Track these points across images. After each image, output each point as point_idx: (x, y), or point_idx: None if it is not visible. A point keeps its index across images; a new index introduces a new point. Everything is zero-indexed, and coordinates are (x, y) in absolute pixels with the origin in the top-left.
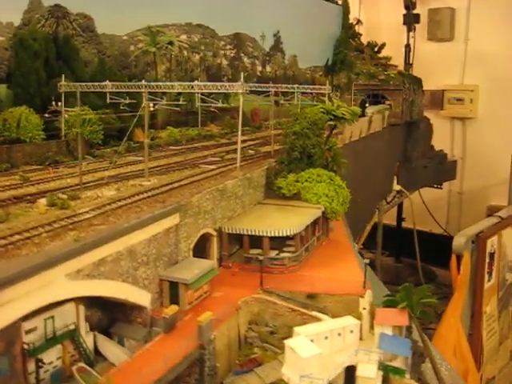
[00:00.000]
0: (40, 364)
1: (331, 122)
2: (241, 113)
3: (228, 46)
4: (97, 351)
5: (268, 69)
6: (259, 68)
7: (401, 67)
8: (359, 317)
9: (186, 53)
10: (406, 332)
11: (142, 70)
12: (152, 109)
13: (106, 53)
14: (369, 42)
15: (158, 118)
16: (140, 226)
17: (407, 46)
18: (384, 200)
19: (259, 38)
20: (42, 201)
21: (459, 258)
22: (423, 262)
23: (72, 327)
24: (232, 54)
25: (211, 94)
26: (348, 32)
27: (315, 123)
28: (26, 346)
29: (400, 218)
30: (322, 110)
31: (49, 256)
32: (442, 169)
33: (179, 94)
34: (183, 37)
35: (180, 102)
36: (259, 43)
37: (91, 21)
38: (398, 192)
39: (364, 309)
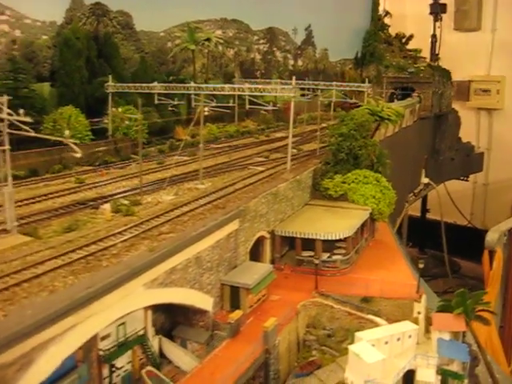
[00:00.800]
0: (113, 369)
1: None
2: (291, 117)
3: (261, 41)
4: (161, 354)
5: (299, 63)
6: (291, 62)
7: (428, 58)
8: (415, 321)
9: (221, 48)
10: (462, 337)
11: (179, 67)
12: (206, 113)
13: (144, 49)
14: (397, 34)
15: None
16: (206, 233)
17: (433, 37)
18: (412, 192)
19: (291, 32)
20: (107, 207)
21: (491, 253)
22: (448, 254)
23: (141, 332)
24: (265, 49)
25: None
26: (377, 24)
27: (362, 125)
28: (101, 353)
29: (425, 210)
30: (368, 111)
31: (130, 268)
32: (469, 161)
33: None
34: (218, 32)
35: (230, 104)
36: (291, 37)
37: (130, 18)
38: (426, 185)
39: (419, 313)
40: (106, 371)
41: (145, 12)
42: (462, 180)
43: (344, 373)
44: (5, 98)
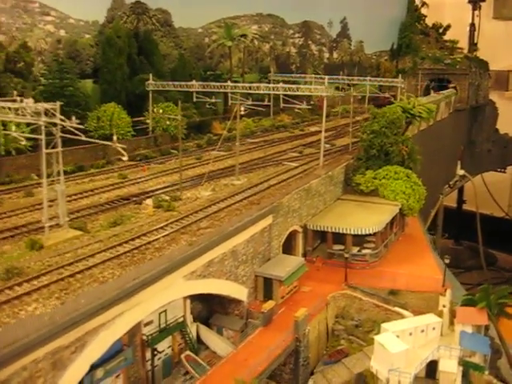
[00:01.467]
0: (155, 353)
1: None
2: (324, 115)
3: (296, 35)
4: (199, 340)
5: (335, 55)
6: (326, 55)
7: (465, 48)
8: (440, 314)
9: (256, 43)
10: (484, 330)
11: (216, 62)
12: (242, 113)
13: (182, 46)
14: (433, 24)
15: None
16: (241, 228)
17: (472, 26)
18: (447, 184)
19: (326, 25)
20: (149, 202)
21: None
22: (484, 246)
23: (180, 319)
24: (300, 42)
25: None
26: (413, 15)
27: (393, 122)
28: (144, 338)
29: (461, 201)
30: (399, 108)
31: (171, 261)
32: (506, 152)
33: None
34: (254, 27)
35: (265, 103)
36: (326, 30)
37: (169, 15)
38: (462, 176)
39: (444, 306)
40: (148, 354)
41: (183, 9)
42: (500, 172)
43: (370, 362)
44: (58, 105)
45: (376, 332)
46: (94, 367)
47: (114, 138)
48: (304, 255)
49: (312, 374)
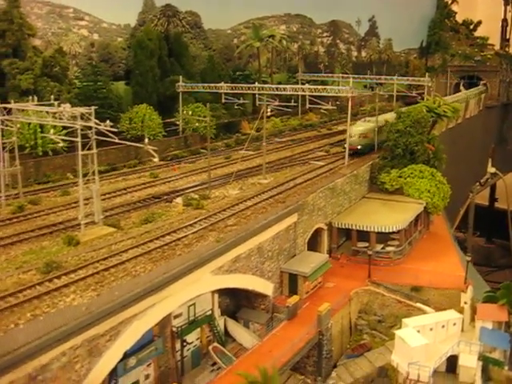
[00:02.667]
0: (184, 344)
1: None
2: (349, 116)
3: (325, 34)
4: (226, 333)
5: (363, 54)
6: (354, 53)
7: (496, 44)
8: (461, 310)
9: (285, 43)
10: (504, 326)
11: (244, 62)
12: (269, 114)
13: (211, 47)
14: (464, 21)
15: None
16: (267, 226)
17: (504, 21)
18: (477, 182)
19: (355, 23)
20: (179, 201)
21: None
22: None
23: (209, 312)
24: (328, 41)
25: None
26: (443, 12)
27: (418, 121)
28: (174, 329)
29: (493, 199)
30: (424, 108)
31: (199, 257)
32: None
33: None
34: (282, 27)
35: (292, 104)
36: (355, 29)
37: (198, 17)
38: (493, 174)
39: (465, 303)
40: (178, 345)
41: (212, 11)
42: None
43: (391, 355)
44: (92, 109)
45: (398, 327)
46: (126, 355)
47: (146, 140)
48: (329, 252)
49: (335, 366)
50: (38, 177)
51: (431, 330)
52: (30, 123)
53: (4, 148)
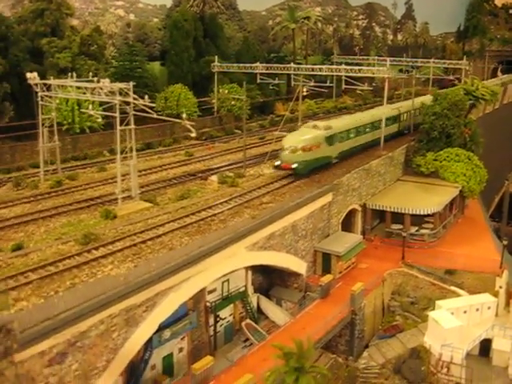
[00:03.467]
0: (218, 319)
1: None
2: (385, 97)
3: (360, 16)
4: (259, 310)
5: (399, 37)
6: (390, 37)
7: None
8: (496, 295)
9: (320, 25)
10: None
11: (279, 44)
12: (305, 93)
13: (246, 28)
14: (503, 4)
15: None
16: (302, 204)
17: None
18: None
19: (391, 6)
20: (214, 178)
21: None
22: None
23: (242, 289)
24: (364, 24)
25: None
26: None
27: (455, 104)
28: (208, 304)
29: None
30: (462, 90)
31: (234, 232)
32: None
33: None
34: (317, 9)
35: (328, 84)
36: (391, 12)
37: None
38: None
39: (500, 287)
40: (211, 320)
41: None
42: None
43: (424, 337)
44: (130, 85)
45: (431, 309)
46: (161, 328)
47: (184, 115)
48: (362, 234)
49: (367, 346)
50: (75, 153)
51: (465, 312)
52: (67, 101)
53: (43, 124)
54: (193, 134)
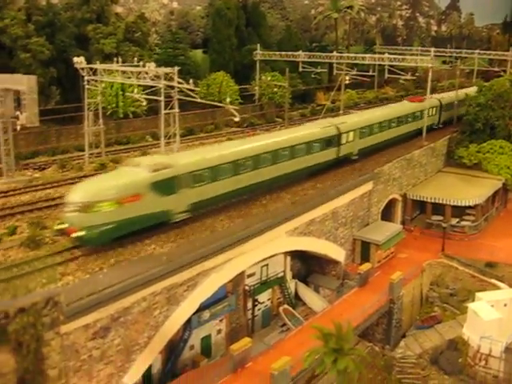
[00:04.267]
0: (256, 303)
1: None
2: (429, 88)
3: (404, 6)
4: (297, 296)
5: (443, 28)
6: (434, 28)
7: None
8: None
9: (363, 15)
10: None
11: (321, 33)
12: (347, 82)
13: (289, 17)
14: None
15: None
16: (342, 191)
17: None
18: None
19: None
20: None
21: None
22: None
23: (281, 275)
24: (407, 14)
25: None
26: None
27: (500, 95)
28: (247, 288)
29: None
30: (508, 82)
31: (275, 216)
32: None
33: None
34: None
35: (370, 73)
36: (435, 2)
37: None
38: None
39: None
40: (249, 304)
41: None
42: None
43: (462, 329)
44: (176, 69)
45: (471, 301)
46: (201, 309)
47: (228, 99)
48: (402, 224)
49: (404, 336)
50: (118, 138)
51: (505, 305)
52: (112, 86)
53: (88, 108)
54: (236, 119)
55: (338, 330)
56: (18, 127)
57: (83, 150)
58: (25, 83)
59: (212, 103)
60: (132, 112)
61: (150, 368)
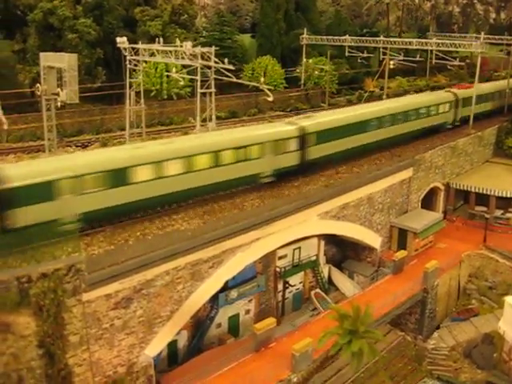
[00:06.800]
0: (287, 285)
1: None
2: (477, 75)
3: None
4: (330, 281)
5: (502, 16)
6: (492, 15)
7: None
8: None
9: (417, 1)
10: None
11: (373, 20)
12: (392, 66)
13: (339, 3)
14: None
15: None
16: (379, 177)
17: None
18: None
19: None
20: None
21: None
22: None
23: (313, 258)
24: (464, 1)
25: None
26: None
27: None
28: (278, 270)
29: None
30: None
31: (306, 198)
32: None
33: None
34: None
35: (417, 59)
36: None
37: None
38: None
39: None
40: (280, 286)
41: None
42: None
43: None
44: (212, 49)
45: (510, 295)
46: (229, 288)
47: (262, 79)
48: (444, 214)
49: (438, 328)
50: (161, 118)
51: None
52: (157, 68)
53: (130, 87)
54: (270, 98)
55: (355, 312)
56: (59, 104)
57: (125, 129)
58: (66, 61)
59: (246, 82)
60: (176, 94)
61: (175, 343)
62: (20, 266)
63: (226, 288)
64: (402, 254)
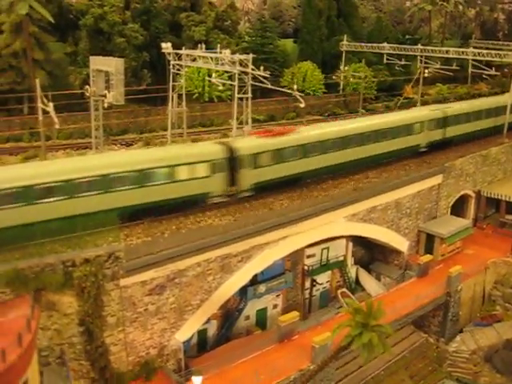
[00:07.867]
0: (314, 283)
1: None
2: None
3: (507, 0)
4: (357, 282)
5: None
6: None
7: None
8: None
9: (461, 8)
10: None
11: (415, 26)
12: (426, 75)
13: (382, 9)
14: None
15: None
16: (408, 182)
17: None
18: None
19: None
20: None
21: None
22: None
23: (341, 259)
24: (510, 8)
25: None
26: None
27: None
28: (305, 268)
29: None
30: None
31: (334, 200)
32: None
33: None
34: None
35: (453, 67)
36: None
37: None
38: None
39: None
40: (307, 284)
41: None
42: None
43: None
44: (250, 56)
45: None
46: (257, 282)
47: (295, 86)
48: (474, 221)
49: (461, 331)
50: (202, 120)
51: None
52: (199, 72)
53: (173, 90)
54: (302, 105)
55: (368, 306)
56: (106, 105)
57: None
58: (113, 65)
59: (280, 89)
60: (217, 97)
61: (205, 331)
62: (65, 251)
63: (255, 282)
64: (427, 257)
